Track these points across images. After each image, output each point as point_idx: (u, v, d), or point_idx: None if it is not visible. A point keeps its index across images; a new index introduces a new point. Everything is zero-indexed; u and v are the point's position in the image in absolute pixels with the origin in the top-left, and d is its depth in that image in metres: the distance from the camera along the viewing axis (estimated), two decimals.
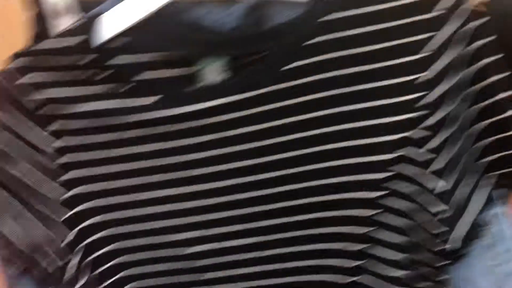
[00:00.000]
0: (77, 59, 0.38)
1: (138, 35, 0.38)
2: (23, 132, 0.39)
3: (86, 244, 0.41)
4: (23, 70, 0.38)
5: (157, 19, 0.38)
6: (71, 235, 0.41)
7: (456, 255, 0.39)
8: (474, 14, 0.37)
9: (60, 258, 0.40)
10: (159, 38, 0.39)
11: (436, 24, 0.37)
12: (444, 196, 0.38)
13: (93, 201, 0.41)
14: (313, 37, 0.37)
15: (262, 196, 0.40)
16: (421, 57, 0.37)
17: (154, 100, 0.38)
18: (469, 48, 0.37)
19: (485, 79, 0.38)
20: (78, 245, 0.41)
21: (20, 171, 0.40)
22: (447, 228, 0.38)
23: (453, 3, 0.37)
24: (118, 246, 0.42)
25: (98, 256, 0.42)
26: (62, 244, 0.40)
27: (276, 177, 0.40)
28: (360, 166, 0.39)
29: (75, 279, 0.41)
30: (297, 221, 0.41)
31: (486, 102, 0.38)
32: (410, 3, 0.37)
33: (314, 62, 0.37)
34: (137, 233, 0.42)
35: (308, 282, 0.43)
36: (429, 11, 0.37)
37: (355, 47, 0.37)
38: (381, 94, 0.38)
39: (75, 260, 0.41)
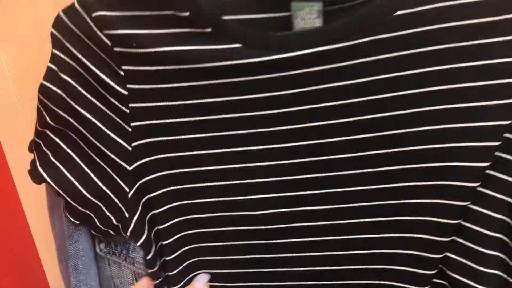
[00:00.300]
0: None
1: None
2: (97, 68, 0.36)
3: (151, 198, 0.39)
4: (103, 3, 0.35)
5: None
6: (139, 186, 0.39)
7: None
8: None
9: (125, 209, 0.39)
10: None
11: None
12: None
13: (162, 155, 0.38)
14: None
15: (345, 159, 0.37)
16: None
17: (236, 46, 0.34)
18: None
19: None
20: (143, 198, 0.39)
21: (92, 112, 0.37)
22: None
23: None
24: (182, 203, 0.40)
25: (162, 211, 0.40)
26: (130, 194, 0.38)
27: (364, 138, 0.36)
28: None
29: (139, 232, 0.39)
30: (388, 192, 0.38)
31: None
32: None
33: (420, 11, 0.32)
34: (204, 191, 0.40)
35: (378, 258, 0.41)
36: None
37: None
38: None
39: (141, 213, 0.39)
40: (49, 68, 0.37)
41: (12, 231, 0.61)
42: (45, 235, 0.64)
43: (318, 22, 0.33)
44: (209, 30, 0.34)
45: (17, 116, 0.59)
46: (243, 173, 0.38)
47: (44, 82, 0.38)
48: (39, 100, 0.39)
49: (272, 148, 0.37)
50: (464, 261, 0.37)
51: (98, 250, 0.46)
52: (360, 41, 0.33)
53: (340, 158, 0.37)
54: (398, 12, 0.32)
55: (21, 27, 0.56)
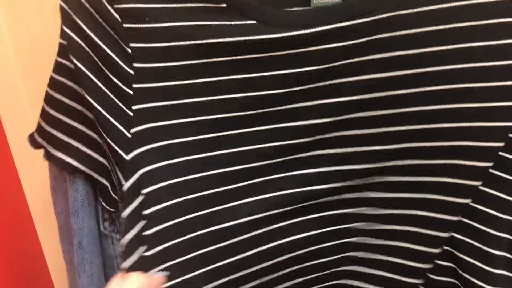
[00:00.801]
0: None
1: None
2: (105, 45, 0.35)
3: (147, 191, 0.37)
4: None
5: None
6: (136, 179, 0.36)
7: None
8: None
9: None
10: None
11: None
12: None
13: (163, 142, 0.36)
14: None
15: (368, 135, 0.37)
16: None
17: (251, 22, 0.34)
18: None
19: None
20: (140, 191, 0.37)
21: (96, 97, 0.36)
22: None
23: None
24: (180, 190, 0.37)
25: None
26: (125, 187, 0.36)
27: (386, 114, 0.35)
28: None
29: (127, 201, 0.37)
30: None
31: None
32: None
33: None
34: (205, 178, 0.37)
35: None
36: None
37: None
38: None
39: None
40: (60, 45, 0.36)
41: (12, 213, 0.60)
42: (45, 216, 0.64)
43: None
44: (224, 5, 0.34)
45: (17, 89, 0.58)
46: (255, 156, 0.37)
47: (58, 60, 0.37)
48: (50, 79, 0.38)
49: (289, 126, 0.37)
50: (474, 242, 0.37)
51: (102, 228, 0.46)
52: (380, 16, 0.33)
53: (363, 133, 0.37)
54: None
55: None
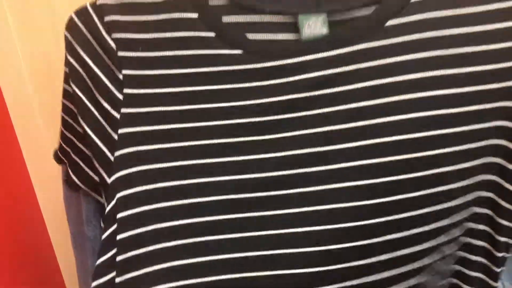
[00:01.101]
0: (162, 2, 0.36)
1: None
2: (100, 71, 0.37)
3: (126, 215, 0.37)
4: (116, 7, 0.37)
5: None
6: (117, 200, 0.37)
7: None
8: None
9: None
10: None
11: None
12: None
13: (146, 166, 0.36)
14: None
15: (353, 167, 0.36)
16: None
17: (236, 52, 0.35)
18: None
19: None
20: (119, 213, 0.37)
21: (87, 118, 0.38)
22: None
23: None
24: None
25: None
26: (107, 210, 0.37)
27: (369, 145, 0.35)
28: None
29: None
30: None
31: None
32: None
33: (420, 21, 0.34)
34: (179, 207, 0.37)
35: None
36: None
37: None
38: None
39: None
40: (64, 72, 0.40)
41: (26, 220, 0.63)
42: (57, 221, 0.66)
43: (324, 31, 0.35)
44: (212, 34, 0.36)
45: (32, 111, 0.61)
46: (236, 185, 0.36)
47: (64, 86, 0.40)
48: (62, 105, 0.41)
49: (271, 157, 0.36)
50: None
51: None
52: (361, 46, 0.35)
53: (347, 166, 0.35)
54: (392, 22, 0.35)
55: (38, 19, 0.58)
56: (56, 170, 0.46)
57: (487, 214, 0.37)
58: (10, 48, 0.58)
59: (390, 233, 0.36)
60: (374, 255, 0.36)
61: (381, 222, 0.35)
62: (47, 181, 0.65)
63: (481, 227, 0.37)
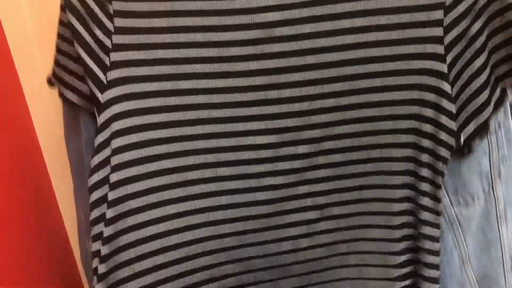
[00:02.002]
0: None
1: None
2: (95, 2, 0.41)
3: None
4: None
5: None
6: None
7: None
8: None
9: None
10: None
11: None
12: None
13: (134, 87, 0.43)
14: None
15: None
16: None
17: None
18: None
19: None
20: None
21: (80, 43, 0.42)
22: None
23: None
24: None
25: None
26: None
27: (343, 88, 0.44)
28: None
29: None
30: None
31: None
32: None
33: None
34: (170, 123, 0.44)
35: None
36: None
37: None
38: None
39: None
40: (60, 1, 0.43)
41: (26, 159, 0.64)
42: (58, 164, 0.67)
43: None
44: None
45: (30, 39, 0.62)
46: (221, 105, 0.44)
47: (60, 13, 0.44)
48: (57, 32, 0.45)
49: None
50: None
51: None
52: None
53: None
54: None
55: None
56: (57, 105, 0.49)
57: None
58: None
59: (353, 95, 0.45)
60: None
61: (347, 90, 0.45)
62: (44, 109, 0.65)
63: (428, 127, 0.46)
